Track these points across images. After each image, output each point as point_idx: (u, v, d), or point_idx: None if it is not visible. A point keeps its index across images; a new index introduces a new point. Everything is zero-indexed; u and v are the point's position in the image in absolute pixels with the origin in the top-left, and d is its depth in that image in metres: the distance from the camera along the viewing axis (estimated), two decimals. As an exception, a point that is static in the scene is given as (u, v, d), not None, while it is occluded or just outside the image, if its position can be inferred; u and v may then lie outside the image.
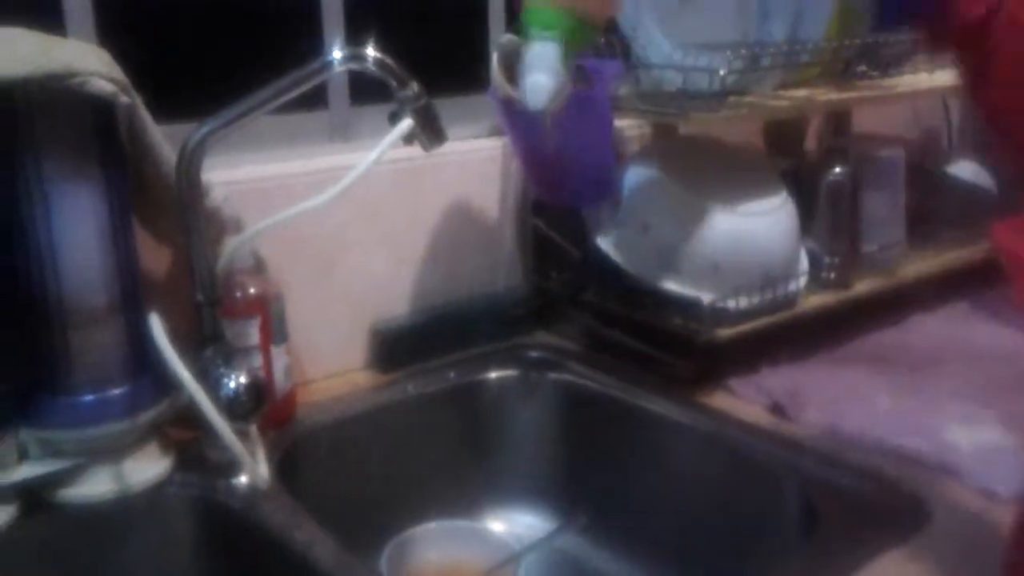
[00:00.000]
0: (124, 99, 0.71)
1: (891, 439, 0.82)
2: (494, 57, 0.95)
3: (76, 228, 0.72)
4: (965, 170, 1.43)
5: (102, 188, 0.73)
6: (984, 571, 0.66)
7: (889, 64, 1.16)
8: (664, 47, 1.01)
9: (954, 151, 1.50)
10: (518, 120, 1.02)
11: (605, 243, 1.00)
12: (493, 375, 1.01)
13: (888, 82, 1.14)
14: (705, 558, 0.88)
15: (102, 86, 0.69)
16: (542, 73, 0.79)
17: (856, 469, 0.79)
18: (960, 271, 1.16)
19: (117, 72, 0.71)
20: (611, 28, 1.03)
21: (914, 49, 1.14)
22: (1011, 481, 0.75)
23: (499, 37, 0.97)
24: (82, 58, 0.69)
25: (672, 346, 0.95)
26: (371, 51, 0.74)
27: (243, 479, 0.77)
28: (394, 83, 0.76)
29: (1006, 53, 0.55)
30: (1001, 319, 1.10)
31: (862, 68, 1.13)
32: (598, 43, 1.00)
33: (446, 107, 0.83)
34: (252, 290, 0.85)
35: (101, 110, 0.71)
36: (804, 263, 1.03)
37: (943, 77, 1.15)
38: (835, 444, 0.83)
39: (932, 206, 1.23)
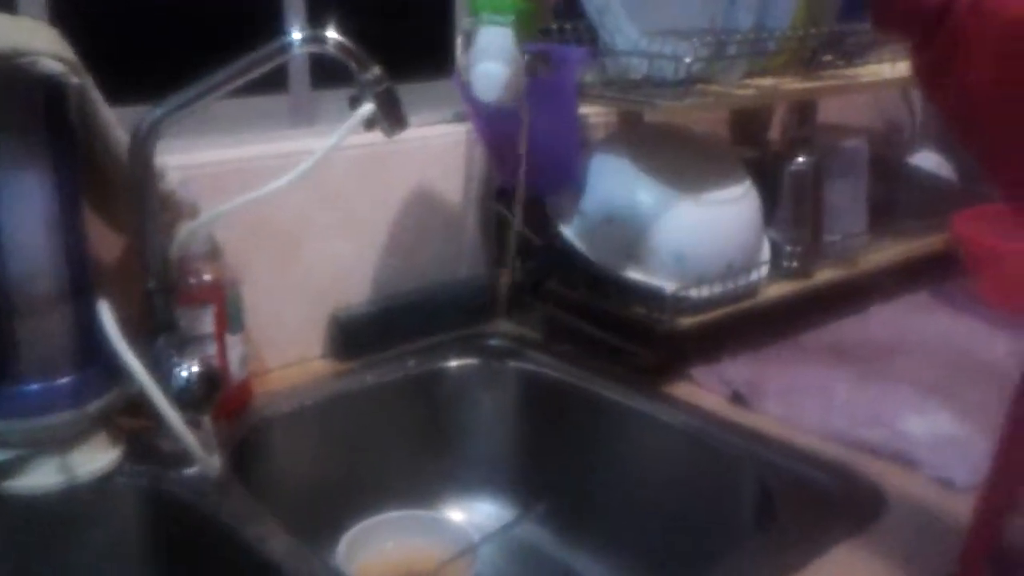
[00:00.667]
0: (74, 80, 0.69)
1: (849, 429, 0.83)
2: (459, 42, 0.94)
3: (23, 212, 0.70)
4: (927, 161, 1.44)
5: (51, 171, 0.71)
6: (939, 559, 0.67)
7: (854, 54, 1.16)
8: (631, 33, 1.00)
9: (917, 142, 1.51)
10: (483, 106, 1.01)
11: (568, 231, 1.00)
12: (453, 364, 1.00)
13: (853, 72, 1.14)
14: (663, 546, 0.88)
15: (51, 66, 0.67)
16: (494, 61, 0.76)
17: (814, 459, 0.79)
18: (921, 261, 1.16)
19: (67, 51, 0.70)
20: (577, 13, 1.03)
21: (878, 39, 1.14)
22: (967, 471, 0.76)
23: (464, 21, 0.95)
24: (31, 36, 0.67)
25: (634, 335, 0.95)
26: (331, 33, 0.73)
27: (195, 470, 0.75)
28: (355, 66, 0.74)
29: (976, 47, 0.50)
30: (961, 309, 1.11)
31: (827, 57, 1.13)
32: (555, 26, 0.98)
33: (411, 92, 0.82)
34: (207, 277, 0.83)
35: (51, 91, 0.69)
36: (766, 252, 1.04)
37: (906, 68, 1.16)
38: (793, 433, 0.83)
39: (894, 196, 1.24)
